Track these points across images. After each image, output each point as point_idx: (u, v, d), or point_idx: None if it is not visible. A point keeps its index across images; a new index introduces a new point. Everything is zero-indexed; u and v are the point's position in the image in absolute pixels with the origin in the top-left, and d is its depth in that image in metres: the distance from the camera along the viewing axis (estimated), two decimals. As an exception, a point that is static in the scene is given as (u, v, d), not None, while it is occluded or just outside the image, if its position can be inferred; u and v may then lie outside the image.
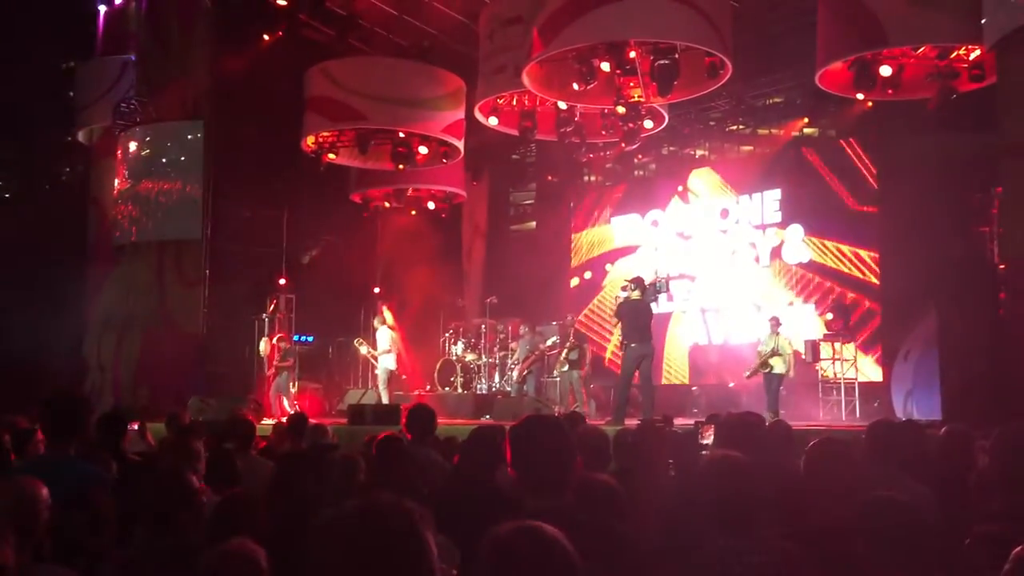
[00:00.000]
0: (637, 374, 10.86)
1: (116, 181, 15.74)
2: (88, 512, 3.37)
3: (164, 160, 15.18)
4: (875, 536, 2.62)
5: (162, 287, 15.08)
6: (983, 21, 8.26)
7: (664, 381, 15.64)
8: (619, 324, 11.30)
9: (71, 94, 17.27)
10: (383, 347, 14.08)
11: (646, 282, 11.55)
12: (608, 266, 17.18)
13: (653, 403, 10.70)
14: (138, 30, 15.90)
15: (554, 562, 1.74)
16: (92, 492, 3.50)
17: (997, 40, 8.18)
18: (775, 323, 11.99)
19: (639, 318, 10.98)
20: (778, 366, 11.62)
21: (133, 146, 15.49)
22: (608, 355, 16.51)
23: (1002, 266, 9.08)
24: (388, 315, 15.01)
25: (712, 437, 7.71)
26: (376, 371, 14.36)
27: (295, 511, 4.02)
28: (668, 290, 13.45)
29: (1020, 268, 8.38)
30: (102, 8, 17.03)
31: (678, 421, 8.17)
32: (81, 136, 16.99)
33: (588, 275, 17.37)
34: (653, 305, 11.69)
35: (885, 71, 10.32)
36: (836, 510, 3.09)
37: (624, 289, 11.47)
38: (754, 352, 12.22)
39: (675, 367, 15.77)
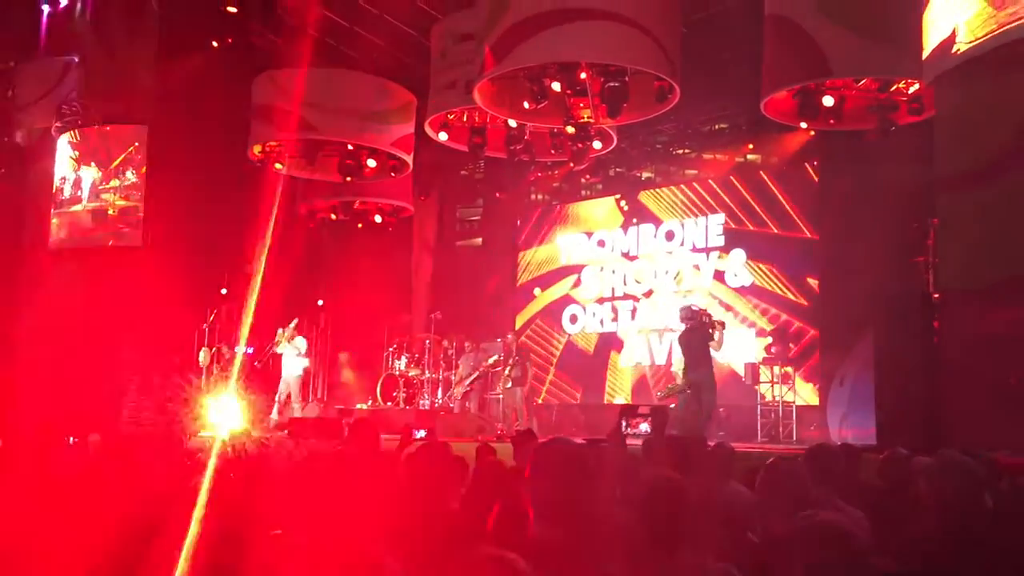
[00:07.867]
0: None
1: (54, 184, 15.37)
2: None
3: (105, 165, 14.87)
4: (810, 560, 2.64)
5: (100, 295, 14.72)
6: (923, 56, 8.48)
7: (606, 400, 15.74)
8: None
9: (10, 94, 16.83)
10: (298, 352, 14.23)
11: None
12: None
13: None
14: (82, 32, 15.59)
15: None
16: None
17: (936, 75, 8.41)
18: None
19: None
20: None
21: (73, 149, 15.16)
22: (549, 378, 16.58)
23: (937, 296, 9.31)
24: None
25: (649, 427, 7.78)
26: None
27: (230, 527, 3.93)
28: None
29: (954, 298, 8.61)
30: (45, 8, 16.66)
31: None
32: (19, 137, 16.55)
33: (537, 291, 17.38)
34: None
35: (828, 101, 10.51)
36: (777, 528, 3.12)
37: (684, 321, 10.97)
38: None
39: (620, 386, 15.84)
